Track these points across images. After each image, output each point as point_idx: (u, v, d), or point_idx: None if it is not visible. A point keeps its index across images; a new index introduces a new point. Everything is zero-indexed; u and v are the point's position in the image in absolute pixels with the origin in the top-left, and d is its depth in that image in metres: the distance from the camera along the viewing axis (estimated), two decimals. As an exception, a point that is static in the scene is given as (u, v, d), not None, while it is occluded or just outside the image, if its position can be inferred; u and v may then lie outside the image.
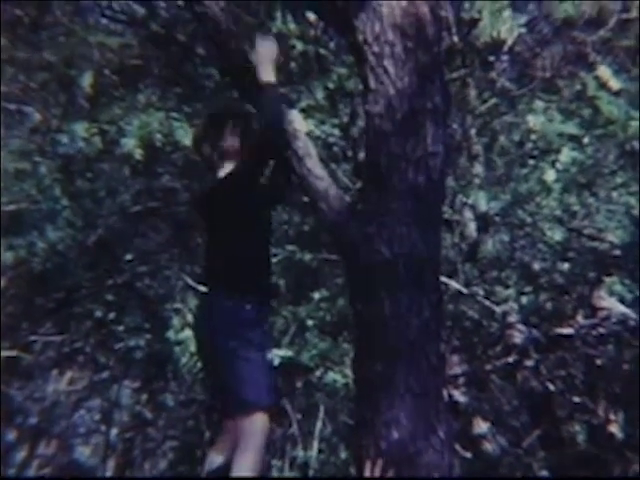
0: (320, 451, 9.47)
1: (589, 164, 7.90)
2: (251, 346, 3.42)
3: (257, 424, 3.37)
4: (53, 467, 12.81)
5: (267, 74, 3.55)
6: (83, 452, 13.32)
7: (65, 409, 12.00)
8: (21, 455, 12.74)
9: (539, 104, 7.53)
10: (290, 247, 8.16)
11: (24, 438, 12.64)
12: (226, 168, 3.69)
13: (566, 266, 8.22)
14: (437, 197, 3.63)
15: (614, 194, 8.11)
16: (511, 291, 7.97)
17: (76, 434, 12.90)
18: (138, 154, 6.70)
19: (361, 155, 6.86)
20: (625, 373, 8.03)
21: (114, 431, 12.78)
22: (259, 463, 3.40)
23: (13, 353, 9.50)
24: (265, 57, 3.58)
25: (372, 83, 3.59)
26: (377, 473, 3.30)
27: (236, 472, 3.32)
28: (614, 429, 8.27)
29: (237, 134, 3.71)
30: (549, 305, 8.53)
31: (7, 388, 10.15)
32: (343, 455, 9.47)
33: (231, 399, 3.47)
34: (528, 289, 8.24)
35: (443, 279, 6.09)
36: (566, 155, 7.57)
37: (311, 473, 9.55)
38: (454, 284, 7.35)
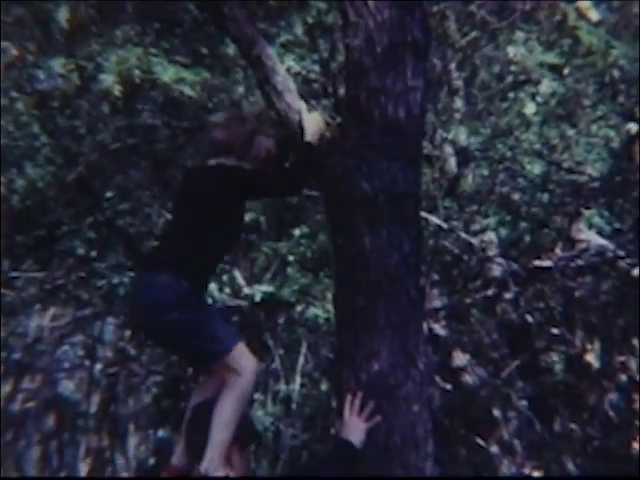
0: (302, 385, 9.57)
1: (569, 96, 7.89)
2: (194, 310, 3.36)
3: (236, 365, 3.36)
4: (38, 401, 12.91)
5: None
6: (67, 386, 13.42)
7: (48, 345, 12.05)
8: (6, 389, 12.83)
9: (519, 35, 7.50)
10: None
11: (8, 372, 12.72)
12: (219, 158, 3.66)
13: (545, 199, 8.27)
14: (417, 132, 3.64)
15: (593, 127, 8.14)
16: (490, 220, 8.01)
17: (60, 369, 12.96)
18: (117, 90, 6.64)
19: (341, 90, 6.83)
20: (602, 304, 8.14)
21: (98, 366, 12.86)
22: (244, 402, 3.41)
23: (-6, 290, 9.50)
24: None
25: (352, 16, 3.57)
26: (357, 405, 3.35)
27: (218, 411, 3.33)
28: (591, 359, 8.41)
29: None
30: (528, 238, 8.60)
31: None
32: (324, 388, 9.59)
33: (200, 358, 3.46)
34: (507, 222, 8.30)
35: (423, 214, 6.12)
36: (546, 86, 7.56)
37: (293, 406, 9.67)
38: (434, 219, 7.38)
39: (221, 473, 3.23)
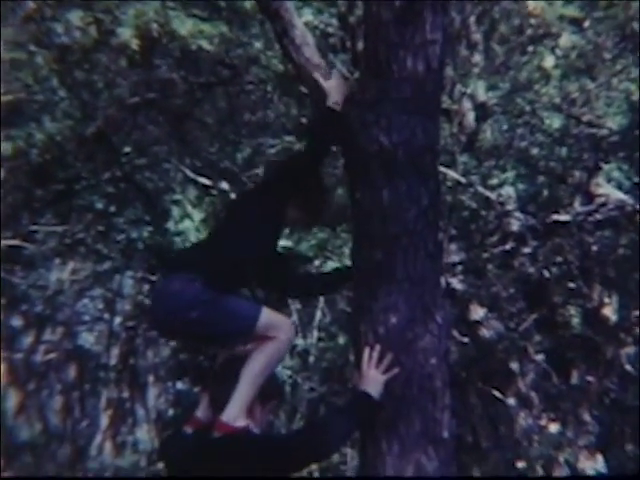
0: (320, 339, 9.64)
1: (589, 49, 7.82)
2: (208, 304, 3.31)
3: (268, 331, 3.35)
4: (59, 353, 13.07)
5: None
6: (87, 339, 13.56)
7: (69, 298, 12.17)
8: (28, 340, 13.02)
9: (539, -13, 7.42)
10: (288, 138, 8.16)
11: (30, 324, 12.89)
12: None
13: (564, 153, 8.23)
14: (436, 86, 3.62)
15: (614, 80, 8.06)
16: (508, 175, 7.99)
17: (80, 322, 13.11)
18: (134, 44, 6.64)
19: (359, 44, 6.79)
20: (620, 258, 8.13)
21: (117, 320, 13.00)
22: (276, 361, 3.43)
23: (15, 242, 9.58)
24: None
25: (370, -31, 3.54)
26: (375, 358, 3.39)
27: (249, 366, 3.34)
28: (608, 312, 8.43)
29: None
30: (546, 192, 8.58)
31: (11, 276, 10.27)
32: (341, 341, 9.65)
33: (231, 340, 3.42)
34: (525, 176, 8.28)
35: (441, 169, 6.12)
36: (566, 39, 7.50)
37: (311, 360, 9.75)
38: (452, 174, 7.37)
39: (241, 424, 3.28)
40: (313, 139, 3.66)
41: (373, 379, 3.35)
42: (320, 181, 3.74)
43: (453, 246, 8.08)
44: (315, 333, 9.63)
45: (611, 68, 8.00)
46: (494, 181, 7.96)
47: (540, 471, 7.76)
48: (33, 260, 10.62)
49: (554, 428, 8.02)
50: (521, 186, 8.40)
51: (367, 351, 3.40)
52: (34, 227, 9.83)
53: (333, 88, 3.56)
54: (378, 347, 3.40)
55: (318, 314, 9.75)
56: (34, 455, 12.69)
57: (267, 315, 3.39)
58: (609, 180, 8.25)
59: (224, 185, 9.11)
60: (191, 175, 9.11)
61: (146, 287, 12.37)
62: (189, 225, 8.73)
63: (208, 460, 3.28)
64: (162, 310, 3.35)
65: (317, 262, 8.75)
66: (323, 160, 3.65)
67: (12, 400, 12.81)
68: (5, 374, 12.06)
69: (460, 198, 7.85)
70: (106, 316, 13.05)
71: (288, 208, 3.60)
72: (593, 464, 7.96)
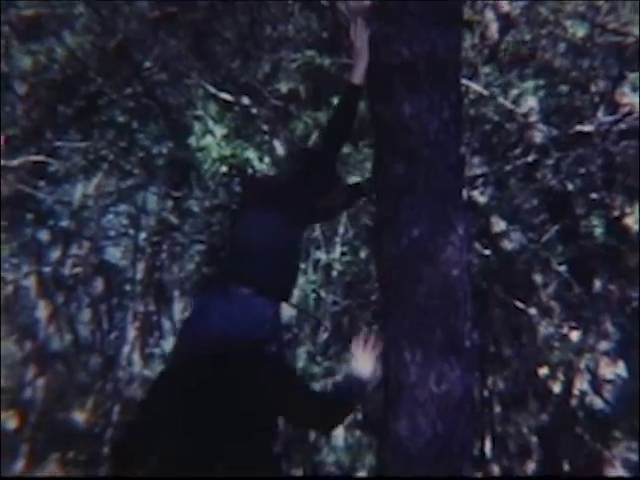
0: (343, 253, 9.70)
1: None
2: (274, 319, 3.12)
3: None
4: (86, 267, 13.24)
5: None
6: (114, 254, 13.72)
7: (94, 213, 12.27)
8: (55, 254, 13.21)
9: None
10: (309, 52, 8.09)
11: (57, 239, 13.06)
12: None
13: (588, 63, 8.13)
14: (457, -3, 3.59)
15: (639, -14, 7.91)
16: (530, 85, 7.91)
17: (106, 236, 13.23)
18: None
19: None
20: (643, 167, 8.09)
21: (142, 235, 13.10)
22: None
23: (40, 158, 9.64)
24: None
25: None
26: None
27: None
28: (630, 222, 8.42)
29: None
30: (569, 103, 8.50)
31: (36, 192, 10.36)
32: (364, 255, 9.70)
33: None
34: (549, 87, 8.19)
35: (463, 81, 6.07)
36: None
37: (334, 274, 9.83)
38: (474, 86, 7.31)
39: None
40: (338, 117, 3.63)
41: (364, 360, 3.49)
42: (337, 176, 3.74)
43: (475, 159, 8.05)
44: (338, 248, 9.69)
45: (636, -26, 7.84)
46: (516, 92, 7.89)
47: (561, 377, 7.87)
48: (58, 176, 10.69)
49: (575, 336, 8.09)
50: (544, 97, 8.31)
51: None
52: (58, 143, 9.87)
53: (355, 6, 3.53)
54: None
55: (341, 229, 9.80)
56: (66, 365, 13.01)
57: None
58: (634, 89, 8.15)
59: (245, 100, 9.09)
60: (212, 90, 9.08)
61: (169, 203, 12.44)
62: (211, 141, 8.73)
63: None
64: (228, 329, 2.96)
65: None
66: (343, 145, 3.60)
67: (43, 312, 13.07)
68: (35, 286, 12.28)
69: (482, 110, 7.79)
70: (131, 231, 13.16)
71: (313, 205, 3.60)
72: (613, 370, 8.06)
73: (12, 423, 12.38)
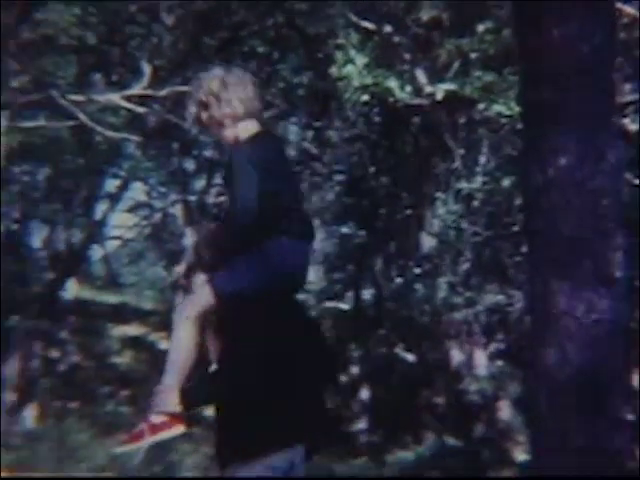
0: (484, 183, 9.60)
1: None
2: None
3: None
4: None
5: None
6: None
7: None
8: (201, 184, 13.60)
9: None
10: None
11: (202, 168, 13.42)
12: None
13: None
14: None
15: None
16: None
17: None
18: None
19: None
20: None
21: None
22: None
23: (185, 89, 9.85)
24: None
25: None
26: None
27: None
28: None
29: None
30: None
31: (182, 121, 10.63)
32: (506, 185, 9.56)
33: None
34: None
35: (617, 4, 5.84)
36: None
37: (475, 204, 9.74)
38: (629, 9, 7.02)
39: None
40: None
41: None
42: None
43: (627, 85, 7.78)
44: (479, 178, 9.59)
45: None
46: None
47: None
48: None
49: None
50: None
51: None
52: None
53: None
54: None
55: (482, 159, 9.69)
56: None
57: None
58: None
59: (387, 28, 9.01)
60: (354, 19, 9.04)
61: (309, 134, 12.55)
62: (352, 70, 8.72)
63: None
64: (305, 269, 3.14)
65: (481, 105, 8.62)
66: None
67: (189, 240, 13.50)
68: (182, 214, 12.67)
69: (636, 35, 7.50)
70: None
71: None
72: None
73: (164, 344, 12.94)
